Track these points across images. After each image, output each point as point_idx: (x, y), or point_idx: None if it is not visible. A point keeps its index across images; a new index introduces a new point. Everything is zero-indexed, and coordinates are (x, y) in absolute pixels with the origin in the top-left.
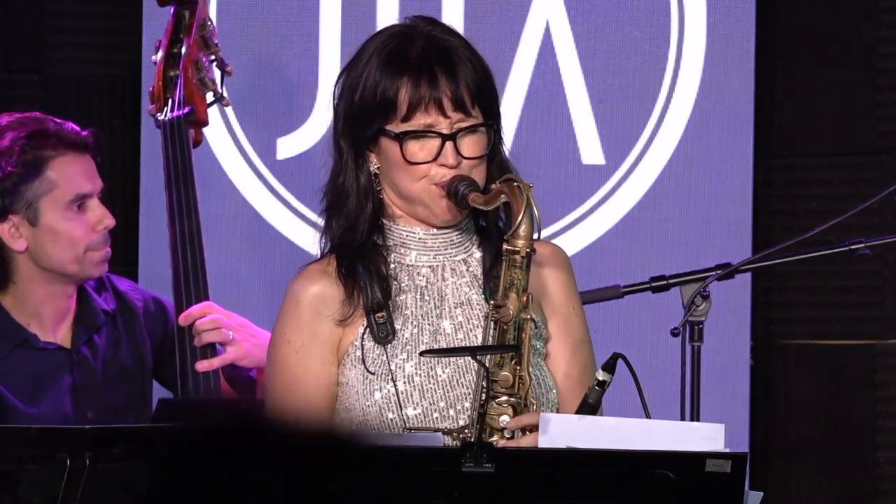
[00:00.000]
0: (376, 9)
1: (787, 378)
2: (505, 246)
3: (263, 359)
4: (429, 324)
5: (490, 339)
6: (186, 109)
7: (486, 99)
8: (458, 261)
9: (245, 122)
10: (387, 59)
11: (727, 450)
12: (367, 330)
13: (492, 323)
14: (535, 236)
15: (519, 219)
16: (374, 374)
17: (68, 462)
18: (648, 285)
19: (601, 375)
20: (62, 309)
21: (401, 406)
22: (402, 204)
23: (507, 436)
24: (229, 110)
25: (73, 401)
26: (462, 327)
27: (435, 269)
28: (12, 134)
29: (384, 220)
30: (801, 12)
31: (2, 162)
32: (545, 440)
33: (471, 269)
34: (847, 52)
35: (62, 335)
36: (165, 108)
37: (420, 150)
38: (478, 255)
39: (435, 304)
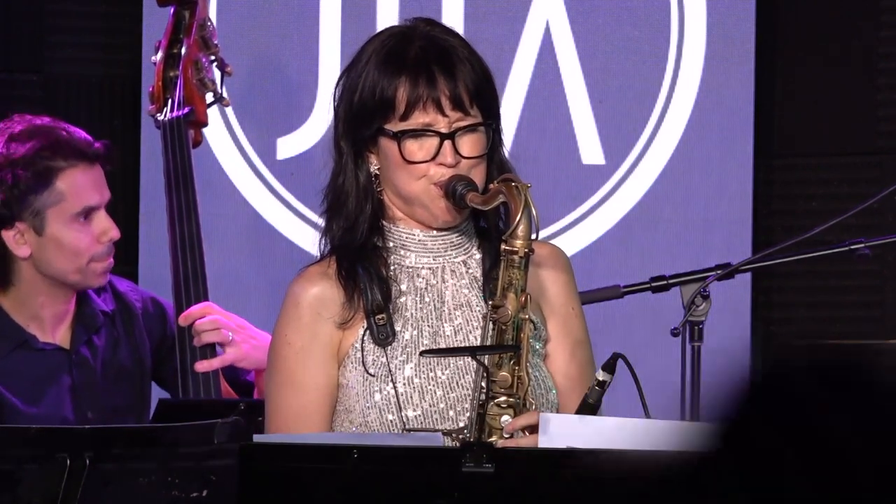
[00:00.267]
0: (376, 9)
1: None
2: (503, 246)
3: (263, 361)
4: (428, 326)
5: (489, 339)
6: (186, 110)
7: (484, 98)
8: (458, 262)
9: (245, 122)
10: (385, 59)
11: None
12: (367, 332)
13: (490, 323)
14: (534, 236)
15: (517, 219)
16: (373, 375)
17: (68, 462)
18: (648, 285)
19: (601, 375)
20: (61, 311)
21: (400, 407)
22: (402, 205)
23: (507, 436)
24: (229, 110)
25: (72, 401)
26: (462, 329)
27: (435, 270)
28: (25, 144)
29: (384, 222)
30: (801, 12)
31: (13, 170)
32: (545, 440)
33: (470, 270)
34: (847, 52)
35: (61, 336)
36: (165, 109)
37: (418, 149)
38: (477, 256)
39: (435, 305)
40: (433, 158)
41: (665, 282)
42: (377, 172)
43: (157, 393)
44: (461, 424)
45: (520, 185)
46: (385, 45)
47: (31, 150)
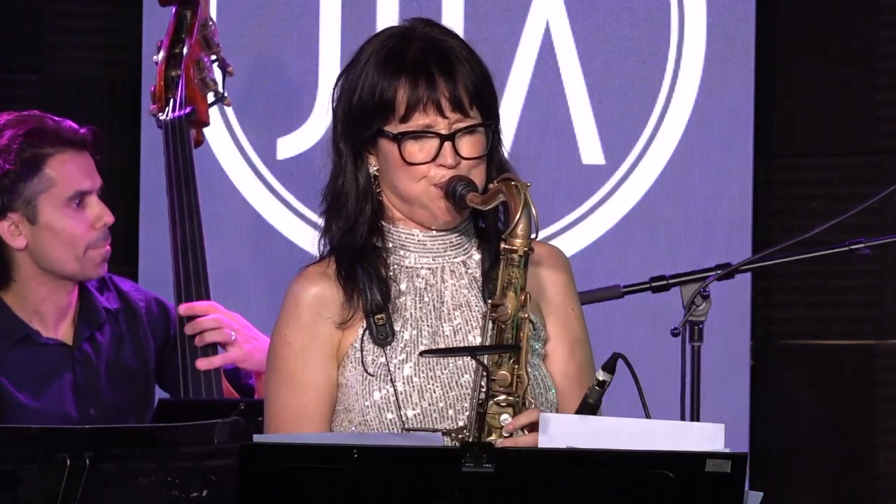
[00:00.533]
0: (376, 9)
1: (787, 378)
2: (503, 245)
3: (263, 363)
4: (428, 326)
5: (488, 338)
6: (188, 109)
7: (484, 99)
8: (458, 263)
9: (245, 122)
10: (384, 61)
11: (727, 450)
12: (367, 332)
13: (490, 322)
14: (533, 235)
15: (516, 218)
16: (373, 375)
17: (68, 462)
18: (648, 285)
19: (601, 375)
20: (63, 307)
21: (400, 407)
22: (402, 206)
23: (506, 434)
24: (229, 110)
25: (74, 397)
26: (461, 329)
27: (434, 271)
28: (10, 132)
29: (383, 223)
30: (801, 12)
31: (0, 160)
32: (545, 440)
33: (470, 271)
34: (847, 52)
35: (64, 332)
36: (167, 108)
37: (419, 150)
38: (477, 257)
39: (434, 306)
40: (433, 160)
41: (665, 282)
42: (376, 173)
43: (158, 393)
44: (460, 424)
45: (519, 184)
46: (384, 46)
47: (18, 139)
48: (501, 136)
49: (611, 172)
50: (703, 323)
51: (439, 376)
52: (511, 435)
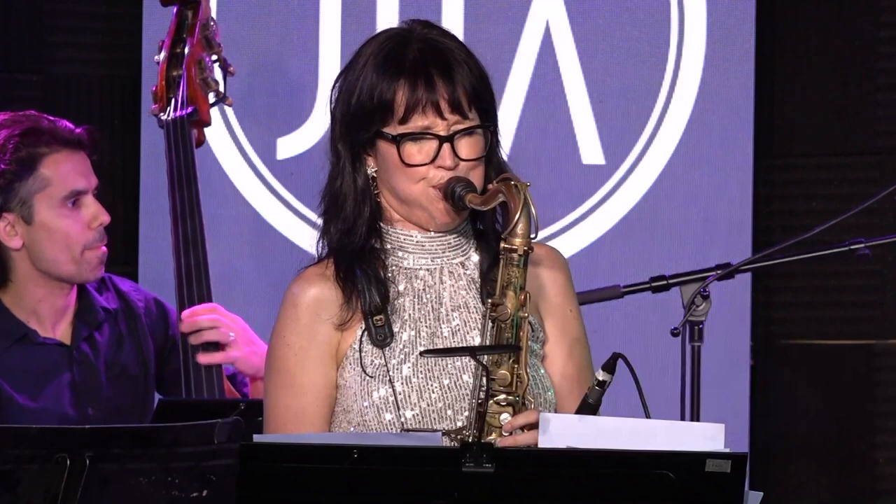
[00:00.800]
0: (376, 9)
1: (787, 378)
2: (502, 244)
3: (260, 368)
4: (426, 327)
5: (488, 337)
6: (189, 109)
7: (483, 101)
8: (456, 264)
9: (245, 122)
10: (383, 62)
11: (727, 450)
12: (366, 333)
13: (489, 321)
14: (533, 235)
15: (516, 217)
16: (372, 376)
17: (68, 462)
18: (648, 285)
19: (601, 375)
20: (61, 307)
21: (398, 407)
22: (400, 207)
23: (506, 433)
24: (230, 110)
25: (72, 397)
26: (459, 331)
27: (433, 272)
28: (6, 132)
29: (382, 224)
30: (801, 12)
31: None
32: (545, 440)
33: (468, 272)
34: (847, 52)
35: (62, 332)
36: (168, 108)
37: (417, 152)
38: (475, 258)
39: (433, 307)
40: (432, 161)
41: (665, 282)
42: (374, 175)
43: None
44: (459, 424)
45: (519, 183)
46: (382, 47)
47: (13, 139)
48: (500, 138)
49: (611, 172)
50: (703, 323)
51: (438, 377)
52: (510, 434)
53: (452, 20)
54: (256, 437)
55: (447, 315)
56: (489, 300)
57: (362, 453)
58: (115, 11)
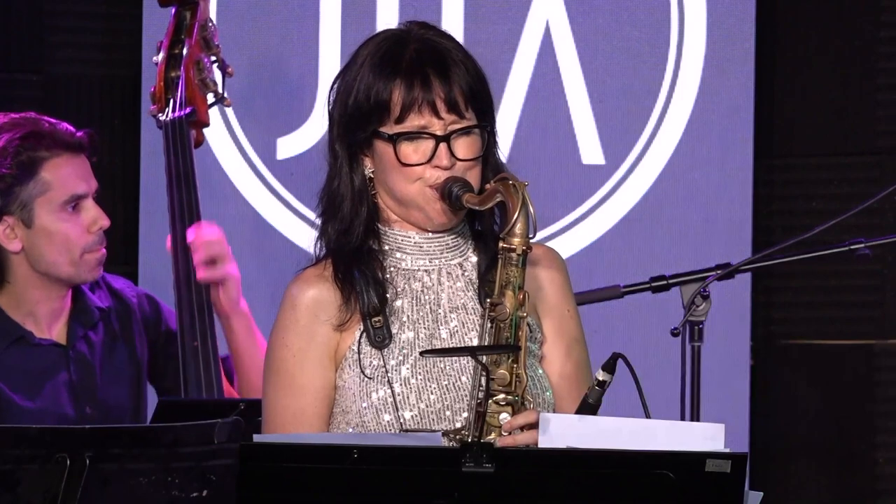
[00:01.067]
0: (376, 9)
1: (787, 378)
2: (501, 244)
3: (238, 302)
4: (425, 328)
5: (487, 336)
6: (188, 110)
7: (479, 101)
8: (454, 265)
9: (245, 122)
10: (380, 63)
11: (727, 450)
12: (364, 334)
13: (488, 321)
14: (531, 234)
15: (514, 216)
16: (370, 377)
17: (68, 462)
18: (648, 285)
19: (601, 375)
20: (57, 308)
21: (397, 408)
22: (397, 208)
23: (505, 433)
24: (229, 110)
25: (70, 397)
26: (457, 332)
27: (431, 273)
28: (7, 135)
29: (379, 225)
30: (801, 12)
31: None
32: (545, 440)
33: (466, 273)
34: (847, 52)
35: (57, 332)
36: (167, 109)
37: (414, 151)
38: (473, 259)
39: (431, 308)
40: (428, 161)
41: (665, 282)
42: (371, 175)
43: (153, 390)
44: (458, 425)
45: (517, 183)
46: (380, 48)
47: (14, 142)
48: (497, 138)
49: (611, 172)
50: (703, 323)
51: (437, 378)
52: (510, 434)
53: (452, 20)
54: (256, 437)
55: (445, 316)
56: (488, 300)
57: (362, 453)
58: (115, 11)
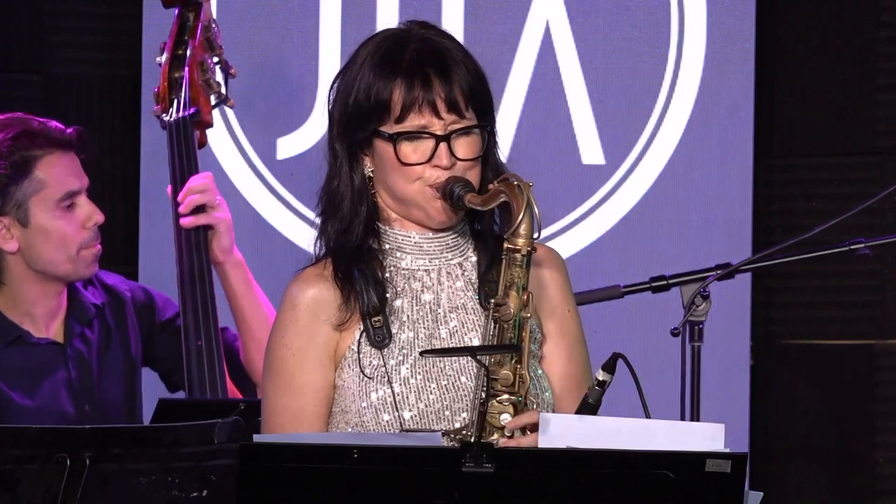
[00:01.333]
0: (376, 9)
1: (787, 378)
2: (505, 244)
3: (231, 250)
4: (424, 328)
5: (490, 337)
6: (192, 110)
7: (480, 101)
8: (454, 264)
9: (245, 122)
10: (380, 62)
11: (727, 450)
12: (364, 334)
13: (492, 322)
14: (536, 235)
15: (520, 217)
16: (370, 377)
17: (68, 462)
18: (648, 285)
19: (601, 375)
20: (53, 307)
21: (397, 408)
22: (397, 207)
23: (507, 434)
24: (230, 110)
25: (68, 395)
26: (457, 332)
27: (431, 272)
28: None
29: (379, 224)
30: (801, 12)
31: None
32: (545, 440)
33: (466, 273)
34: (847, 52)
35: (55, 331)
36: (171, 109)
37: (413, 151)
38: (473, 258)
39: (431, 308)
40: (428, 160)
41: (665, 282)
42: (371, 174)
43: (155, 390)
44: (457, 425)
45: (522, 184)
46: (380, 47)
47: (6, 142)
48: (497, 138)
49: (611, 172)
50: (703, 323)
51: (436, 378)
52: (512, 435)
53: (452, 20)
54: (256, 437)
55: (445, 316)
56: (492, 300)
57: (362, 453)
58: (115, 11)
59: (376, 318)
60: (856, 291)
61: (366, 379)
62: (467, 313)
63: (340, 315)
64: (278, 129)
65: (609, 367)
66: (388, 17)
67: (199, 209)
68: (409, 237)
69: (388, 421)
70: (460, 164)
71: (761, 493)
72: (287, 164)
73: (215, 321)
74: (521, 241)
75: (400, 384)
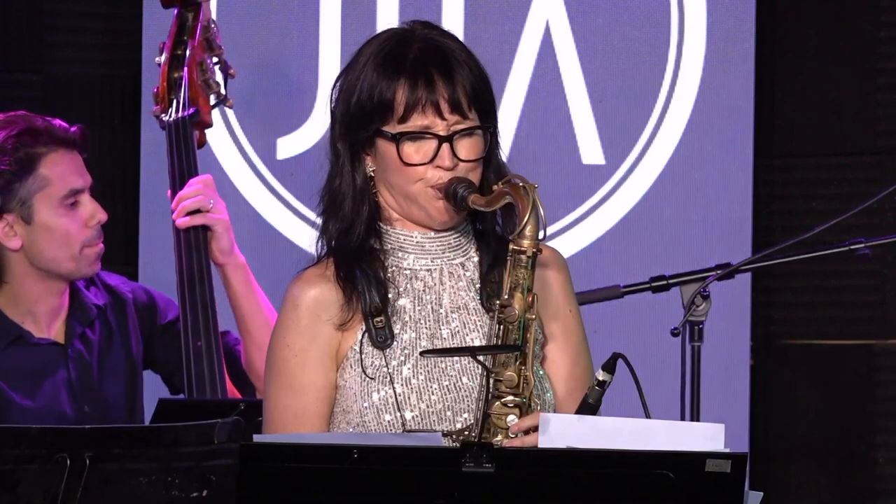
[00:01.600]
0: (376, 9)
1: (787, 378)
2: (511, 245)
3: (230, 251)
4: (426, 328)
5: (495, 338)
6: (191, 111)
7: (482, 102)
8: (456, 265)
9: (245, 122)
10: (383, 62)
11: (727, 450)
12: (366, 334)
13: (497, 323)
14: (541, 235)
15: (525, 219)
16: (372, 377)
17: (68, 462)
18: (648, 285)
19: (601, 375)
20: (55, 306)
21: (399, 408)
22: (399, 207)
23: (512, 436)
24: (230, 111)
25: (69, 395)
26: (459, 332)
27: (433, 272)
28: (2, 133)
29: (381, 224)
30: (801, 12)
31: None
32: (545, 440)
33: (468, 273)
34: (847, 52)
35: (56, 331)
36: (170, 110)
37: (416, 151)
38: (475, 259)
39: (432, 308)
40: (431, 161)
41: (665, 282)
42: (373, 174)
43: (156, 390)
44: (459, 426)
45: (527, 185)
46: (383, 47)
47: (11, 139)
48: (499, 139)
49: (611, 172)
50: (703, 323)
51: (438, 378)
52: (516, 436)
53: (452, 20)
54: (256, 437)
55: (447, 316)
56: (497, 301)
57: (362, 453)
58: (115, 11)
59: (378, 319)
60: (856, 291)
61: (367, 379)
62: (469, 314)
63: (342, 315)
64: (278, 129)
65: (609, 367)
66: (388, 17)
67: (195, 210)
68: (411, 237)
69: (389, 421)
70: (463, 164)
71: (761, 493)
72: (287, 164)
73: (215, 321)
74: (526, 243)
75: (402, 384)
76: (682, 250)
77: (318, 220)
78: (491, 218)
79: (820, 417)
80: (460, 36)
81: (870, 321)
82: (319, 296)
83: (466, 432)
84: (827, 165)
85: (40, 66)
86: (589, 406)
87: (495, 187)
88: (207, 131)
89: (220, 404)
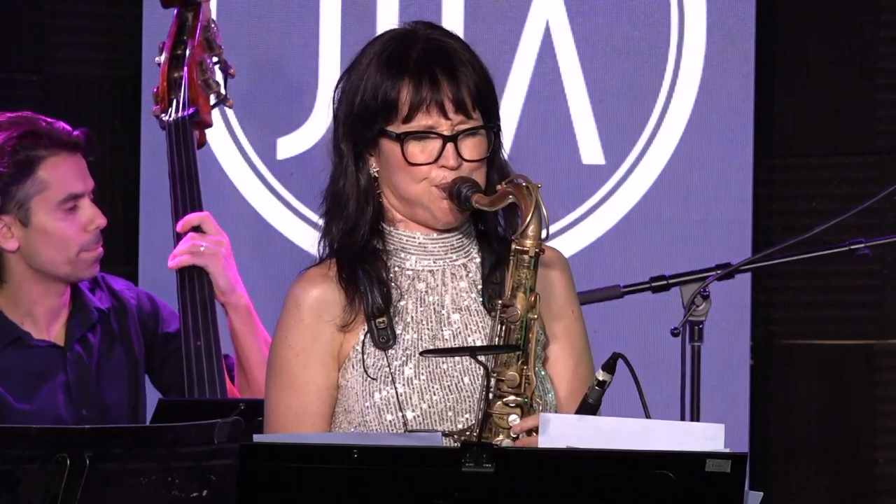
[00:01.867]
0: (376, 9)
1: (787, 378)
2: (514, 246)
3: (230, 292)
4: (428, 329)
5: (497, 338)
6: (191, 110)
7: (486, 102)
8: (459, 265)
9: (245, 122)
10: (387, 62)
11: (727, 450)
12: (368, 335)
13: (499, 323)
14: (543, 234)
15: (528, 219)
16: (374, 378)
17: (68, 462)
18: (648, 285)
19: (601, 375)
20: (55, 307)
21: (400, 408)
22: (402, 207)
23: (514, 436)
24: (230, 111)
25: (66, 398)
26: (460, 333)
27: (435, 273)
28: (4, 134)
29: (384, 225)
30: (801, 12)
31: None
32: (545, 440)
33: (470, 274)
34: (847, 52)
35: (56, 333)
36: (170, 109)
37: (420, 151)
38: (477, 259)
39: (434, 308)
40: (435, 161)
41: (665, 282)
42: (376, 174)
43: (155, 390)
44: (460, 426)
45: (530, 185)
46: (386, 47)
47: (11, 141)
48: (502, 139)
49: (611, 172)
50: (703, 323)
51: (440, 379)
52: (518, 437)
53: (452, 20)
54: (256, 437)
55: (449, 317)
56: (499, 301)
57: (362, 453)
58: (115, 11)
59: (381, 319)
60: (856, 291)
61: (369, 379)
62: (471, 314)
63: (345, 316)
64: (278, 129)
65: (609, 367)
66: (388, 17)
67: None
68: (414, 238)
69: (391, 421)
70: (467, 164)
71: (761, 493)
72: (287, 164)
73: (214, 321)
74: (529, 243)
75: (403, 384)
76: (681, 250)
77: (320, 221)
78: (493, 218)
79: (820, 417)
80: (460, 36)
81: (870, 321)
82: (322, 296)
83: (468, 432)
84: (827, 165)
85: (40, 66)
86: (589, 406)
87: (499, 187)
88: (207, 131)
89: (220, 404)
